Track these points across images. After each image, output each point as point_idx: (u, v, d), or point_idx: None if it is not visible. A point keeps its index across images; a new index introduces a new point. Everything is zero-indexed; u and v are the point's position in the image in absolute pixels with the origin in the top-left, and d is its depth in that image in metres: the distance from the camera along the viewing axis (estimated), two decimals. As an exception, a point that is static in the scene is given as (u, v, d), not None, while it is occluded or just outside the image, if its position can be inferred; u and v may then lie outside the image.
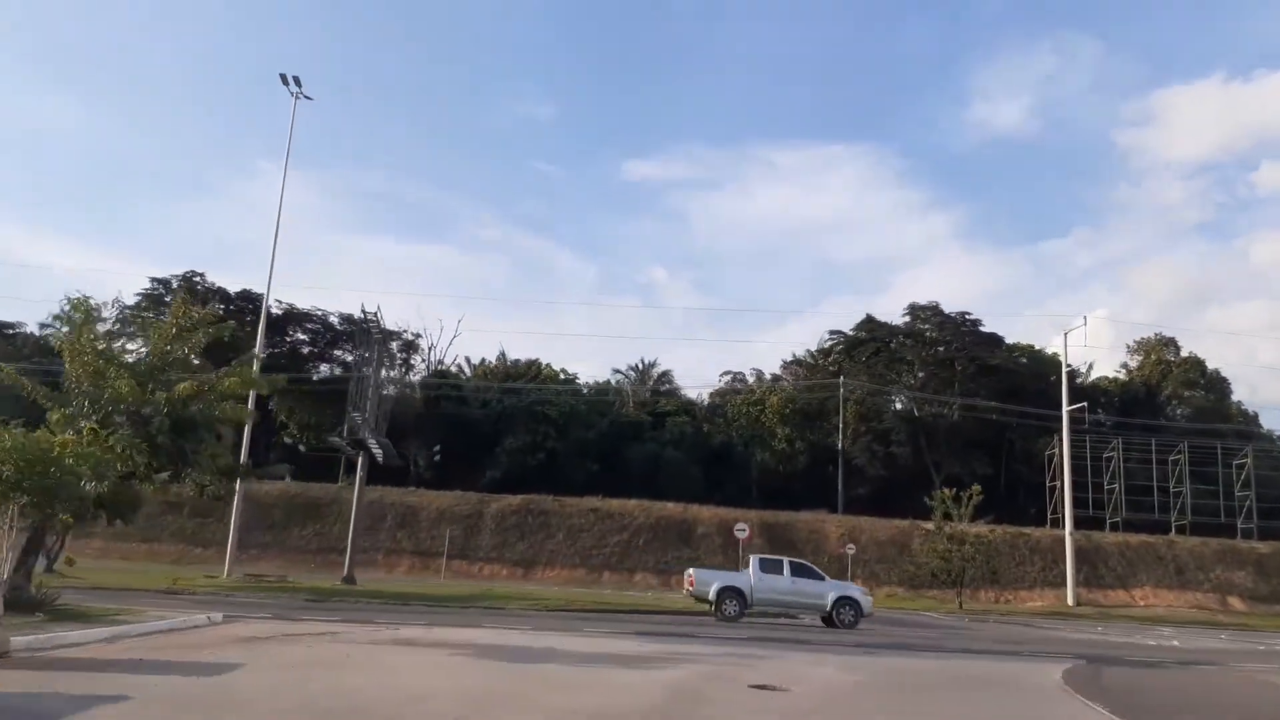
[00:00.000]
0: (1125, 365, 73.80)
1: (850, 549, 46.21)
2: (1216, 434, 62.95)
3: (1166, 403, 71.56)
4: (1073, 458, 52.64)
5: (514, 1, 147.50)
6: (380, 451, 31.89)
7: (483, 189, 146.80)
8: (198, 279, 64.95)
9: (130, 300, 66.21)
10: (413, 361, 70.24)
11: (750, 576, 24.30)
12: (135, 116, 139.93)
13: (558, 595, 30.53)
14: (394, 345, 69.09)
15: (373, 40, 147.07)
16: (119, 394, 13.71)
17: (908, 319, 68.77)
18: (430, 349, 71.09)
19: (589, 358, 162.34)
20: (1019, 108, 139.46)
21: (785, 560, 25.99)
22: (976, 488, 46.82)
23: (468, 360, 73.98)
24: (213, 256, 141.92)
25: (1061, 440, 54.50)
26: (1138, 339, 74.01)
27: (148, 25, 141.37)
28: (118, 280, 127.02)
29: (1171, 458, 59.60)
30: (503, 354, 74.69)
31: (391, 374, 70.79)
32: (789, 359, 78.69)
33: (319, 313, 66.05)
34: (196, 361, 18.82)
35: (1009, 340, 69.87)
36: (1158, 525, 57.56)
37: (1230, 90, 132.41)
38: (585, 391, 72.56)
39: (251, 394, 34.32)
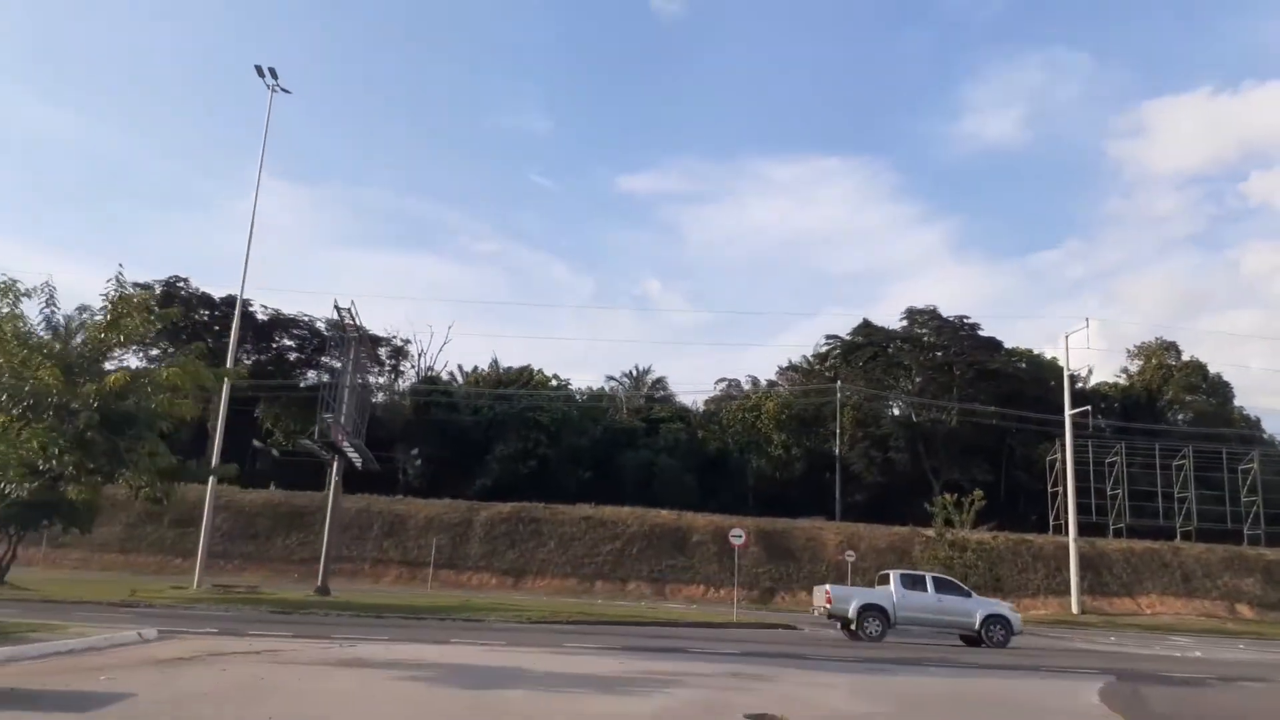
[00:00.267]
0: (1125, 370, 72.70)
1: (850, 556, 44.83)
2: (1220, 439, 61.75)
3: (1168, 407, 70.35)
4: (1075, 463, 51.38)
5: (509, 15, 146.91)
6: (357, 456, 30.43)
7: (479, 202, 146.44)
8: (181, 284, 63.57)
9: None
10: (402, 368, 68.87)
11: (892, 593, 23.11)
12: (129, 124, 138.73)
13: (544, 606, 29.10)
14: (382, 351, 67.82)
15: (370, 55, 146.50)
16: (42, 385, 12.34)
17: (905, 323, 67.55)
18: (420, 355, 69.76)
19: (584, 369, 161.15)
20: (1010, 120, 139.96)
21: (928, 575, 24.83)
22: (978, 493, 45.60)
23: (460, 368, 72.70)
24: (207, 267, 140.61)
25: (1064, 445, 53.23)
26: (1138, 343, 72.89)
27: (143, 29, 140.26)
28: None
29: (1175, 463, 58.33)
30: (495, 361, 73.39)
31: (379, 380, 69.55)
32: (785, 365, 77.53)
33: (306, 319, 64.72)
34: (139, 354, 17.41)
35: (1007, 346, 68.69)
36: (1162, 531, 56.27)
37: (1219, 102, 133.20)
38: (578, 398, 71.16)
39: (226, 394, 33.02)
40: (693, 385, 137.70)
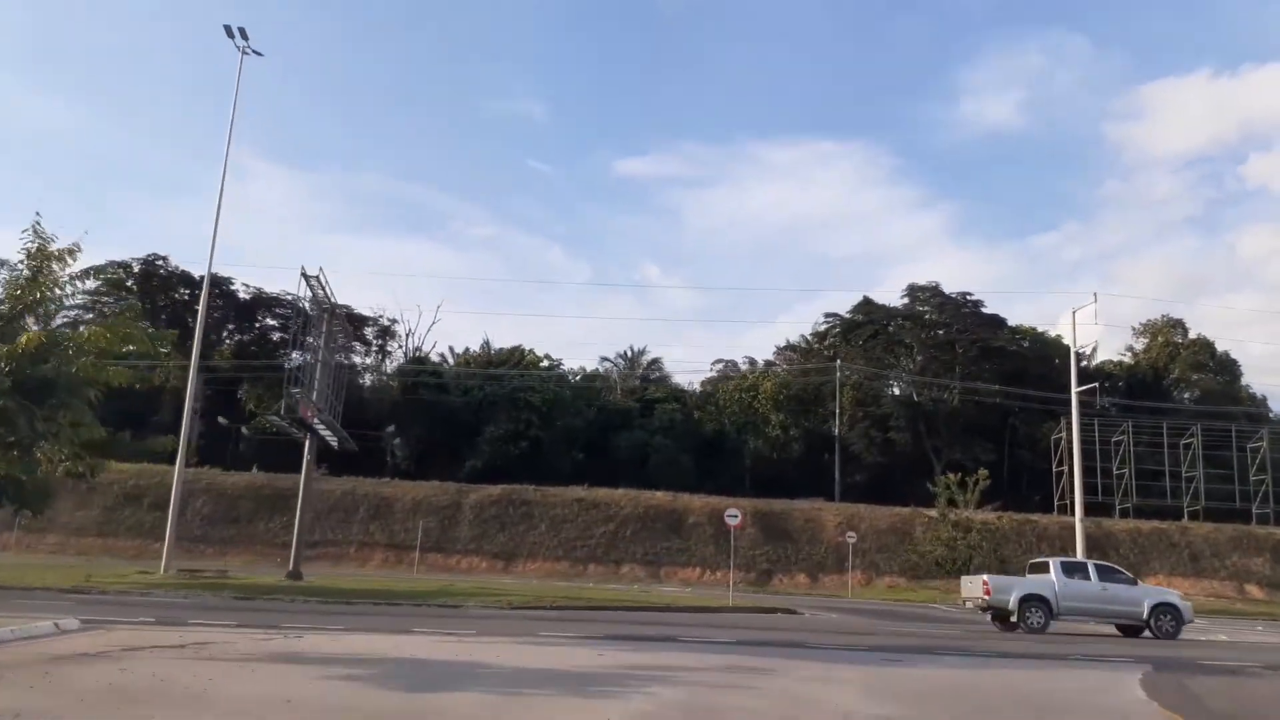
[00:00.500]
0: (1131, 348, 71.15)
1: (851, 537, 43.45)
2: (1227, 417, 60.34)
3: (1173, 386, 68.90)
4: (1081, 442, 49.87)
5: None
6: (331, 434, 28.82)
7: (475, 187, 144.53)
8: (160, 262, 61.85)
9: (89, 286, 63.25)
10: (389, 348, 67.23)
11: (1054, 582, 21.67)
12: (120, 111, 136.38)
13: (529, 590, 27.63)
14: (369, 331, 66.24)
15: (365, 39, 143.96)
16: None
17: (906, 300, 65.93)
18: (408, 335, 68.08)
19: (580, 353, 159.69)
20: (1009, 104, 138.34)
21: (1090, 563, 23.43)
22: (983, 472, 44.26)
23: (451, 350, 71.12)
24: (202, 253, 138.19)
25: (1070, 423, 51.73)
26: (1144, 321, 71.32)
27: (130, 15, 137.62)
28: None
29: (1183, 442, 56.91)
30: (487, 343, 71.74)
31: (366, 360, 68.00)
32: (783, 345, 75.94)
33: (290, 297, 62.67)
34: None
35: (1009, 325, 67.08)
36: (1169, 511, 54.92)
37: (1218, 84, 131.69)
38: (571, 379, 69.59)
39: (194, 368, 31.41)
40: (689, 368, 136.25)
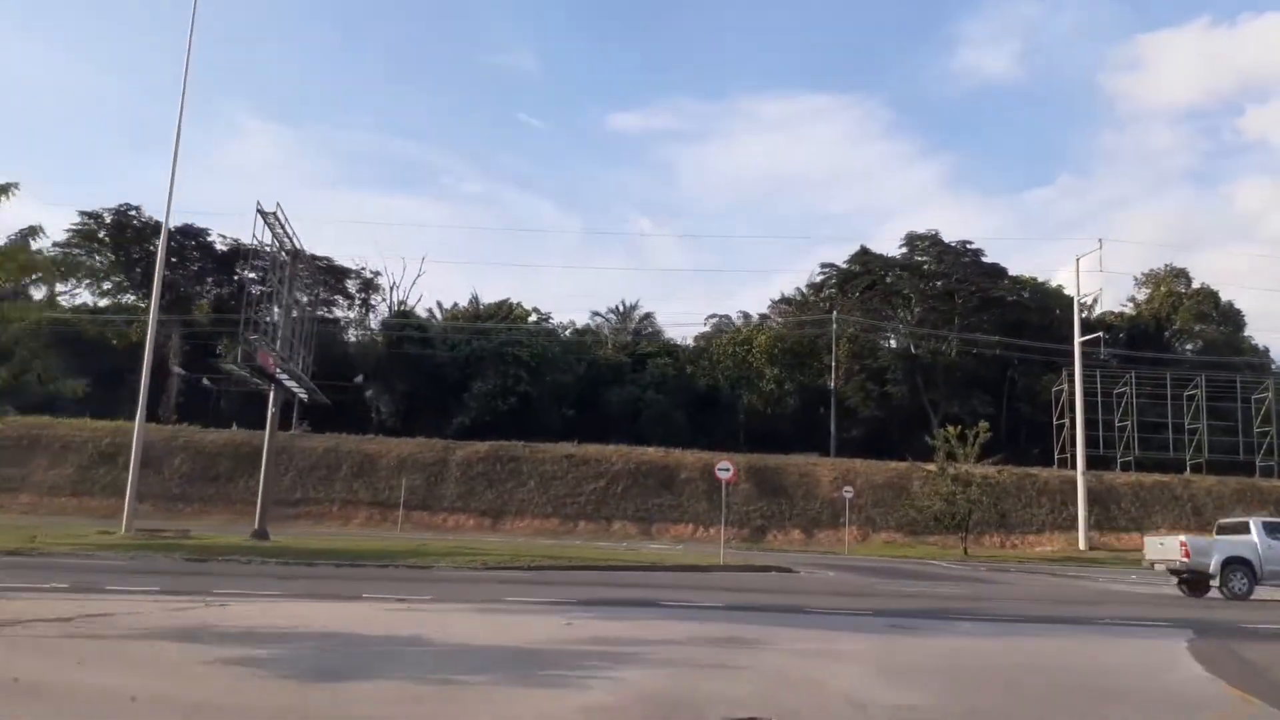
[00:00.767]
0: (1133, 299, 69.57)
1: (848, 492, 42.20)
2: (1230, 368, 59.03)
3: (1175, 337, 67.49)
4: (1083, 394, 48.58)
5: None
6: (298, 386, 27.16)
7: (465, 142, 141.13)
8: (133, 212, 59.61)
9: (60, 237, 61.11)
10: (373, 302, 65.36)
11: (1256, 544, 19.74)
12: (111, 67, 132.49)
13: (511, 549, 26.28)
14: (351, 285, 64.35)
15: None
16: None
17: (905, 250, 64.11)
18: (392, 288, 66.14)
19: (572, 311, 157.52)
20: (1005, 55, 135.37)
21: None
22: (984, 424, 42.86)
23: (439, 305, 69.23)
24: (191, 210, 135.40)
25: (1073, 375, 50.42)
26: (1145, 270, 69.67)
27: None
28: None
29: (1187, 393, 55.61)
30: (475, 297, 69.88)
31: (349, 315, 66.19)
32: (777, 297, 74.15)
33: (270, 249, 60.50)
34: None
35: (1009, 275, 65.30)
36: (1171, 464, 53.81)
37: (1216, 35, 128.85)
38: (561, 333, 67.87)
39: (151, 324, 29.66)
40: (683, 322, 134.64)
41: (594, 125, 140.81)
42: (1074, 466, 48.91)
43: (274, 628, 8.63)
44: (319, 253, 63.06)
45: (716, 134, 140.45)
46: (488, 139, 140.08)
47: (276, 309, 25.79)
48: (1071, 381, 51.07)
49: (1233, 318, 65.54)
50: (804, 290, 70.17)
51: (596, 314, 75.06)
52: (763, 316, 71.88)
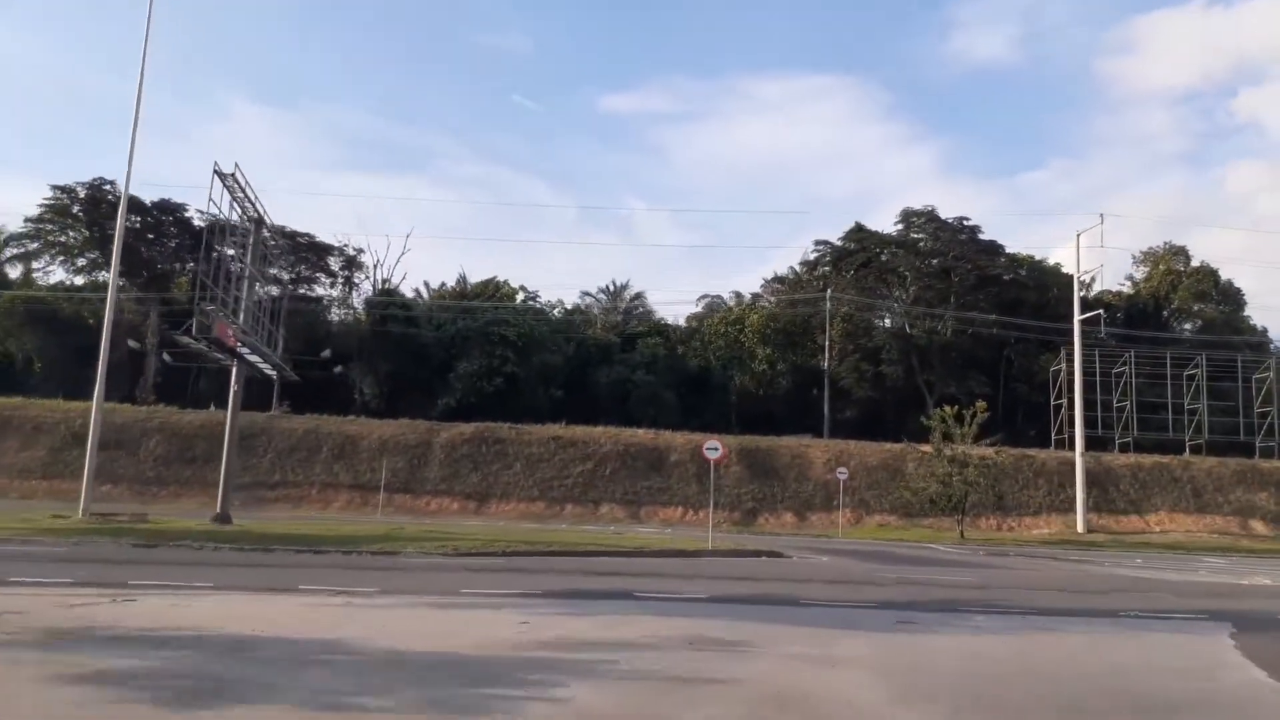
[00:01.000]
0: (1130, 277, 68.39)
1: (842, 474, 41.05)
2: (1229, 347, 57.99)
3: (1174, 316, 66.39)
4: (1082, 374, 47.43)
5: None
6: (263, 362, 25.70)
7: (460, 124, 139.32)
8: (108, 186, 57.76)
9: (33, 211, 59.34)
10: (356, 280, 63.74)
11: None
12: (100, 51, 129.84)
13: (490, 533, 25.00)
14: (333, 262, 62.73)
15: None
16: None
17: (900, 227, 62.64)
18: (376, 266, 64.50)
19: (563, 294, 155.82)
20: (1001, 37, 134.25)
21: None
22: (981, 404, 41.66)
23: (426, 285, 67.64)
24: (181, 192, 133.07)
25: (1070, 355, 49.28)
26: (1144, 249, 68.43)
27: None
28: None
29: (1187, 373, 54.52)
30: (463, 277, 68.32)
31: (332, 293, 64.63)
32: (770, 277, 72.75)
33: (238, 219, 58.65)
34: None
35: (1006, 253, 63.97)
36: (1170, 445, 52.79)
37: (1211, 16, 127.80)
38: (550, 313, 66.43)
39: (111, 298, 28.14)
40: (675, 304, 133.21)
41: (588, 106, 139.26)
42: (1072, 448, 47.86)
43: (172, 630, 7.33)
44: (304, 230, 61.77)
45: (710, 115, 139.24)
46: (482, 121, 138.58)
47: (241, 279, 24.28)
48: (1070, 361, 49.94)
49: (1232, 296, 64.44)
50: (797, 269, 68.89)
51: (586, 294, 73.70)
52: (755, 296, 70.56)
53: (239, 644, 6.81)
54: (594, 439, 50.31)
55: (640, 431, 51.46)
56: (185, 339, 21.87)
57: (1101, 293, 65.50)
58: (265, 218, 25.39)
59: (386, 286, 62.07)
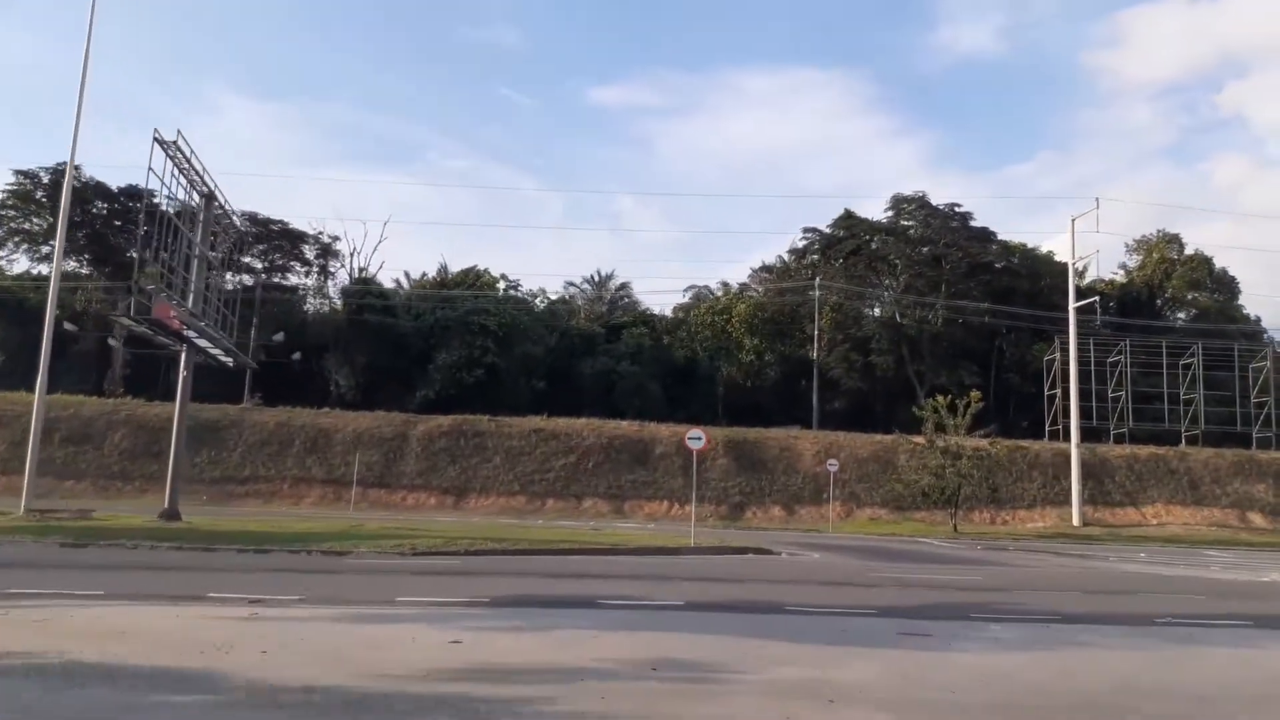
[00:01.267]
0: (1124, 266, 67.26)
1: (833, 466, 39.66)
2: (1224, 336, 56.92)
3: (1167, 305, 65.34)
4: (1077, 362, 46.22)
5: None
6: (210, 345, 23.99)
7: (447, 118, 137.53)
8: (73, 171, 55.63)
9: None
10: (331, 269, 61.93)
11: None
12: (80, 42, 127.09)
13: (458, 530, 23.48)
14: (308, 251, 60.95)
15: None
16: None
17: (890, 214, 61.26)
18: (353, 254, 62.69)
19: (551, 284, 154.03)
20: (987, 30, 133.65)
21: None
22: (975, 394, 40.41)
23: (407, 275, 65.81)
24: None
25: (1064, 345, 48.06)
26: (1137, 237, 67.32)
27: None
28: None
29: (1183, 362, 53.41)
30: (444, 266, 66.50)
31: (307, 281, 62.85)
32: (758, 266, 71.24)
33: (236, 221, 56.70)
34: None
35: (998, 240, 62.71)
36: (1165, 436, 51.71)
37: (1196, 9, 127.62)
38: (534, 303, 64.74)
39: (54, 284, 26.46)
40: (661, 295, 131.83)
41: (575, 99, 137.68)
42: (1066, 439, 46.69)
43: (0, 655, 5.80)
44: (277, 217, 59.94)
45: (698, 108, 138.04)
46: (470, 114, 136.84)
47: (189, 258, 22.63)
48: (1064, 350, 48.74)
49: (1227, 284, 63.37)
50: (785, 257, 67.40)
51: (571, 284, 72.04)
52: (743, 286, 69.06)
53: (71, 676, 5.31)
54: (576, 431, 48.79)
55: (624, 423, 49.97)
56: (124, 320, 20.17)
57: (1094, 281, 64.37)
58: (217, 194, 23.70)
59: (363, 275, 60.30)
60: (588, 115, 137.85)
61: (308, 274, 61.14)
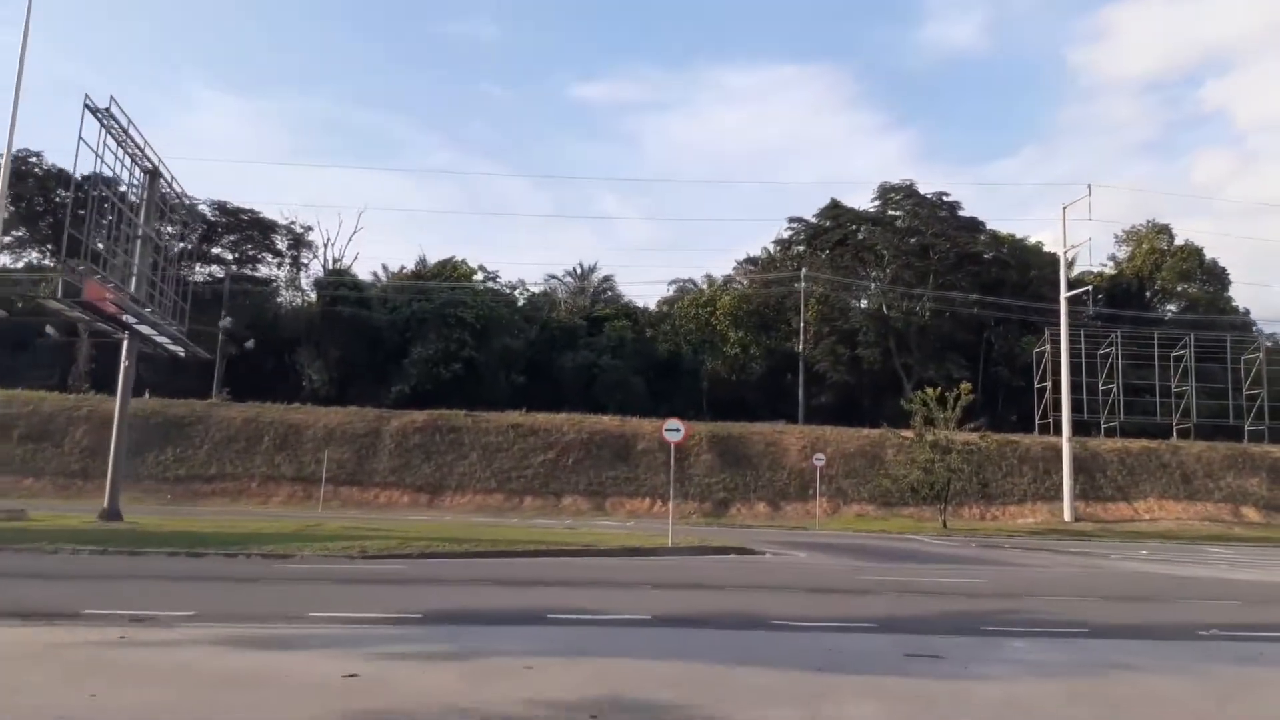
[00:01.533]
0: (1113, 257, 66.29)
1: (819, 460, 38.33)
2: (1214, 327, 56.02)
3: (1157, 296, 64.43)
4: (1068, 354, 45.12)
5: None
6: (154, 333, 22.36)
7: (428, 112, 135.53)
8: (33, 159, 53.87)
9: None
10: (304, 260, 60.12)
11: None
12: (57, 38, 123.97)
13: (424, 529, 22.00)
14: (280, 242, 59.19)
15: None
16: None
17: (878, 204, 60.01)
18: (327, 245, 60.93)
19: (533, 278, 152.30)
20: (970, 25, 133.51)
21: None
22: (966, 386, 39.30)
23: (385, 268, 63.99)
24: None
25: (1055, 337, 46.96)
26: (1127, 228, 66.41)
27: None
28: None
29: (1174, 354, 52.44)
30: (422, 258, 64.70)
31: (278, 273, 61.06)
32: (743, 258, 69.82)
33: (187, 201, 54.63)
34: None
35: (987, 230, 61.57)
36: (1156, 429, 50.73)
37: (1178, 5, 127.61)
38: (514, 295, 63.11)
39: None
40: (645, 288, 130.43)
41: (558, 94, 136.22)
42: (1057, 432, 45.63)
43: None
44: (247, 206, 58.07)
45: (681, 104, 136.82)
46: (452, 111, 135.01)
47: (132, 239, 21.02)
48: (1054, 342, 47.68)
49: (1217, 275, 62.48)
50: (770, 249, 66.02)
51: (553, 276, 70.33)
52: (727, 278, 67.60)
53: None
54: (556, 427, 47.33)
55: (606, 418, 48.56)
56: (50, 303, 18.55)
57: (1083, 273, 63.37)
58: (163, 170, 22.10)
59: (338, 266, 58.53)
60: (570, 110, 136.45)
61: (280, 265, 59.37)
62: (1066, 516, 42.29)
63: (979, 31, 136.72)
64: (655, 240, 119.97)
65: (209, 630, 7.19)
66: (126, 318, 20.08)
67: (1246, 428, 51.81)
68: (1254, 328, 63.71)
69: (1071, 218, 45.20)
